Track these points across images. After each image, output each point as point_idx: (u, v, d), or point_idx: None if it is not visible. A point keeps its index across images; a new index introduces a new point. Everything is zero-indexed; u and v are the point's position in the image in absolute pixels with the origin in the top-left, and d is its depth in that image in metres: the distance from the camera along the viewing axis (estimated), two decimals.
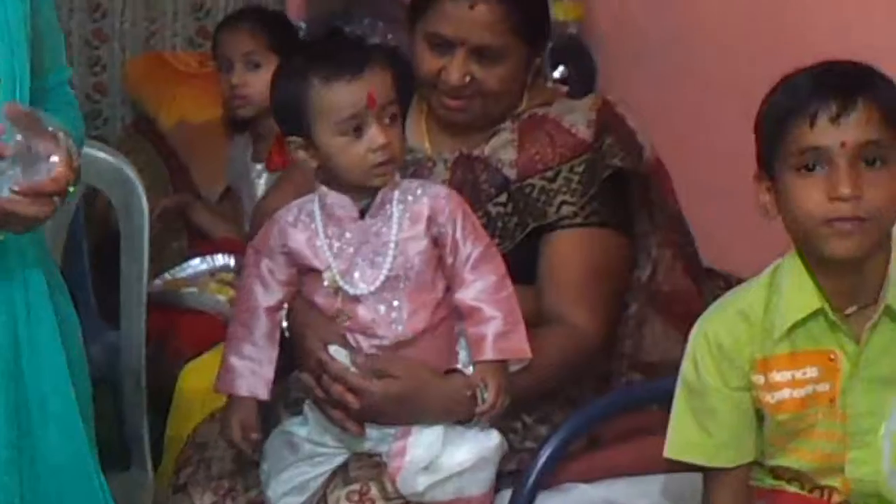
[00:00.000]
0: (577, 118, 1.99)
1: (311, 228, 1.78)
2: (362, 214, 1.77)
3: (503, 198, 1.96)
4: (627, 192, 2.01)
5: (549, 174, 1.97)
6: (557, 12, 3.08)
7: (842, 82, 1.54)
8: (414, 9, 1.99)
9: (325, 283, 1.77)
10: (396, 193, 1.77)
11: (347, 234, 1.77)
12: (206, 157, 3.08)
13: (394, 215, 1.76)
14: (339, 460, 1.83)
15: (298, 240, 1.79)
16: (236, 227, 2.91)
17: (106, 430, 2.42)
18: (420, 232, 1.77)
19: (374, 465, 1.81)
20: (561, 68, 3.15)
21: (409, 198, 1.78)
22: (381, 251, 1.76)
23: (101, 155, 2.17)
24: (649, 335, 2.04)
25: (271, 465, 1.85)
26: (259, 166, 2.88)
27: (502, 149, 2.00)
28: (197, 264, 2.75)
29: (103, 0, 3.42)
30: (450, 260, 1.78)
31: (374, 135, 1.72)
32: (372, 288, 1.76)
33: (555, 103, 2.03)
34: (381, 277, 1.75)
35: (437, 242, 1.78)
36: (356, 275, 1.76)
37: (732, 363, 1.64)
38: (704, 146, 2.86)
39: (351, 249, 1.76)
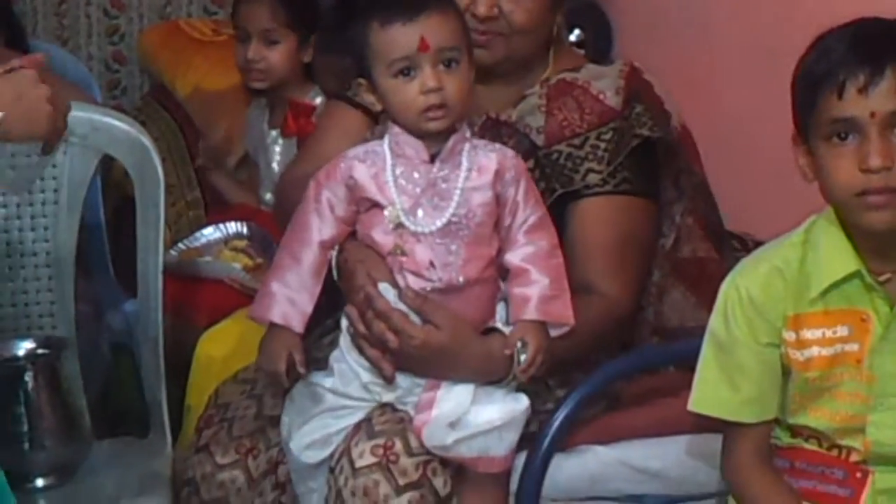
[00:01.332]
0: (606, 85, 1.99)
1: (379, 165, 1.79)
2: (432, 160, 1.78)
3: (530, 163, 1.95)
4: (654, 160, 2.00)
5: (577, 141, 1.96)
6: None
7: (870, 50, 1.52)
8: None
9: (388, 219, 1.77)
10: (467, 145, 1.79)
11: (415, 175, 1.78)
12: (223, 124, 3.09)
13: (462, 164, 1.78)
14: (362, 413, 1.82)
15: (365, 173, 1.79)
16: (252, 194, 2.91)
17: (125, 397, 2.45)
18: (486, 184, 1.78)
19: (399, 420, 1.80)
20: (577, 31, 3.14)
21: (479, 151, 1.80)
22: (447, 195, 1.77)
23: (117, 123, 2.15)
24: (669, 302, 2.04)
25: (293, 417, 1.84)
26: (275, 132, 2.88)
27: (530, 114, 1.99)
28: (211, 233, 2.75)
29: None
30: (507, 220, 1.80)
31: (426, 78, 1.74)
32: (433, 228, 1.76)
33: (583, 69, 2.02)
34: (444, 220, 1.76)
35: (498, 201, 1.79)
36: (419, 213, 1.77)
37: (764, 318, 1.63)
38: (723, 109, 2.84)
39: (417, 189, 1.77)
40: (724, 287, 1.67)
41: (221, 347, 2.41)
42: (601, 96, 1.98)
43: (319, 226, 1.81)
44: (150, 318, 2.15)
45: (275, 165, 2.87)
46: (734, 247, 2.19)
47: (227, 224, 2.76)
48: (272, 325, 1.81)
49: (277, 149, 2.88)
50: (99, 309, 2.52)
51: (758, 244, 1.93)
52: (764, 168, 2.46)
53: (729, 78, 2.87)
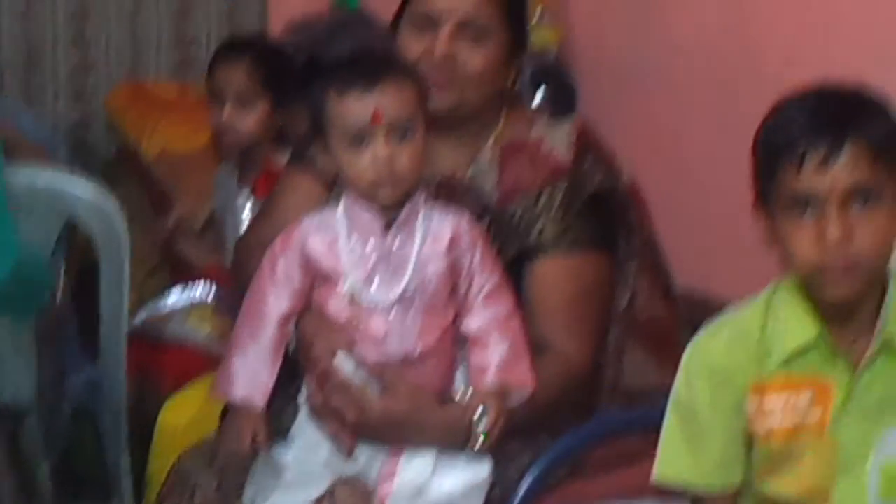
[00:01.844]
0: (557, 141, 2.00)
1: (333, 235, 1.79)
2: (386, 229, 1.78)
3: (485, 222, 1.96)
4: (607, 215, 2.01)
5: (530, 198, 1.97)
6: (537, 37, 3.09)
7: (830, 123, 1.51)
8: (400, 6, 2.02)
9: (342, 291, 1.77)
10: (421, 213, 1.79)
11: (369, 245, 1.78)
12: (189, 186, 3.08)
13: (417, 232, 1.78)
14: (325, 485, 1.81)
15: (319, 244, 1.79)
16: (219, 257, 2.90)
17: (87, 463, 2.43)
18: (441, 252, 1.79)
19: (362, 493, 1.79)
20: (542, 92, 3.16)
21: (434, 219, 1.80)
22: (402, 266, 1.77)
23: (81, 187, 2.16)
24: (629, 363, 2.04)
25: (256, 490, 1.83)
26: (245, 191, 2.88)
27: (483, 174, 2.00)
28: (177, 297, 2.74)
29: (87, 30, 3.42)
30: (464, 288, 1.80)
31: (378, 149, 1.75)
32: (388, 299, 1.76)
33: (534, 127, 2.03)
34: (399, 290, 1.76)
35: (453, 268, 1.79)
36: (373, 285, 1.77)
37: (726, 385, 1.63)
38: (686, 166, 2.87)
39: (372, 260, 1.77)
40: (687, 353, 1.67)
41: (184, 415, 2.39)
42: (553, 153, 1.99)
43: (276, 300, 1.81)
44: (112, 385, 2.15)
45: (243, 227, 2.86)
46: (696, 309, 2.19)
47: (195, 288, 2.74)
48: (235, 405, 1.81)
49: (247, 210, 2.87)
50: (61, 374, 2.50)
51: (721, 304, 1.94)
52: (725, 226, 2.48)
53: (692, 135, 2.89)
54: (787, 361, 1.60)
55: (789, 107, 1.57)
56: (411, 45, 1.98)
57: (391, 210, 1.78)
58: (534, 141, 2.00)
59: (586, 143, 2.01)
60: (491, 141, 2.02)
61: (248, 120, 2.80)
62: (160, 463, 2.31)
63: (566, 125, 2.04)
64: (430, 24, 1.96)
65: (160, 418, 2.42)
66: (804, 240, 1.53)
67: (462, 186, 2.00)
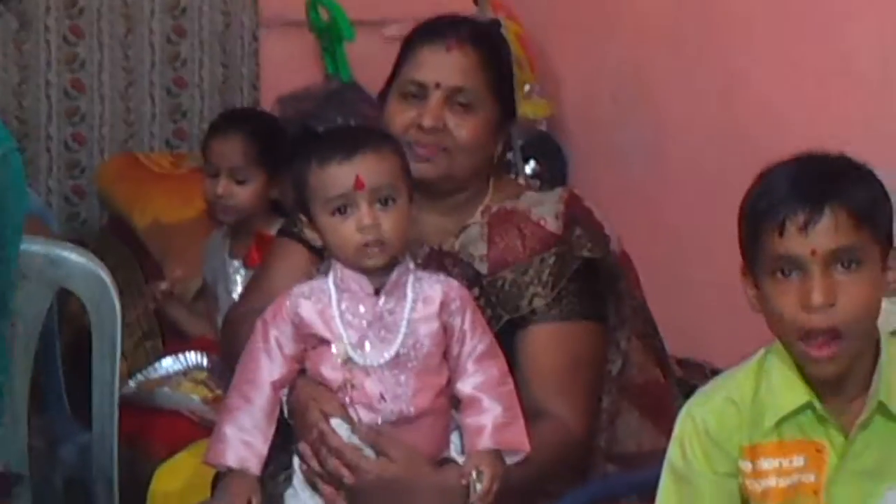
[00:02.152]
0: (546, 211, 2.02)
1: (324, 301, 1.80)
2: (377, 293, 1.79)
3: (475, 292, 1.97)
4: (597, 283, 2.02)
5: (520, 267, 1.98)
6: (527, 109, 3.13)
7: (810, 188, 1.54)
8: (389, 77, 2.04)
9: (335, 354, 1.77)
10: (411, 277, 1.80)
11: (361, 309, 1.79)
12: (180, 256, 3.09)
13: (408, 296, 1.79)
14: None
15: (311, 310, 1.80)
16: (210, 326, 2.90)
17: None
18: (432, 314, 1.79)
19: None
20: (532, 163, 3.20)
21: (423, 282, 1.81)
22: (394, 328, 1.78)
23: (73, 256, 2.16)
24: (623, 427, 2.04)
25: None
26: (237, 262, 2.89)
27: (472, 243, 2.01)
28: (170, 364, 2.73)
29: (82, 104, 3.45)
30: (455, 350, 1.81)
31: (362, 216, 1.76)
32: (381, 361, 1.77)
33: (522, 196, 2.05)
34: (392, 352, 1.77)
35: (444, 331, 1.80)
36: (367, 347, 1.77)
37: (720, 448, 1.63)
38: (674, 235, 2.89)
39: (364, 323, 1.78)
40: (680, 418, 1.68)
41: (176, 482, 2.38)
42: (542, 222, 2.00)
43: (269, 366, 1.81)
44: (104, 454, 2.13)
45: (235, 296, 2.87)
46: (692, 376, 2.20)
47: (187, 355, 2.74)
48: (229, 470, 1.80)
49: (239, 279, 2.88)
50: (53, 443, 2.49)
51: (715, 372, 1.95)
52: (714, 294, 2.50)
53: (680, 205, 2.92)
54: (780, 426, 1.61)
55: (772, 173, 1.59)
56: (400, 115, 2.00)
57: (381, 275, 1.79)
58: (522, 210, 2.02)
59: (575, 213, 2.02)
60: (479, 211, 2.04)
61: (243, 194, 2.81)
62: None
63: (554, 195, 2.05)
64: (418, 92, 1.99)
65: (152, 485, 2.41)
66: (789, 304, 1.54)
67: (451, 256, 2.01)
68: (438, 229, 2.03)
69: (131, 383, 2.67)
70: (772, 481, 1.61)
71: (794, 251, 1.53)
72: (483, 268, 1.99)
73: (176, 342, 2.87)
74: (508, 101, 2.07)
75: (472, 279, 1.98)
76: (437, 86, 1.98)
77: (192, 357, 2.73)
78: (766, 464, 1.62)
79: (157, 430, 2.56)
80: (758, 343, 1.67)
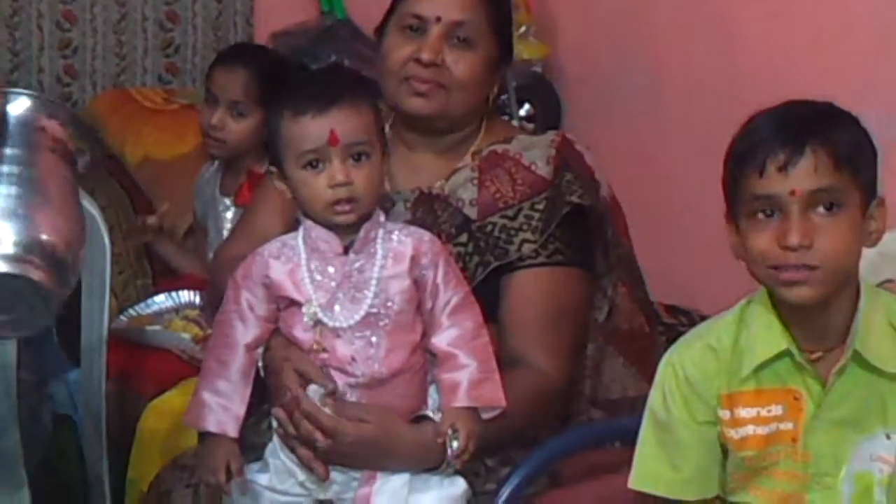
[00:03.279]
0: (537, 155, 2.00)
1: (294, 261, 1.78)
2: (346, 251, 1.77)
3: (464, 237, 1.96)
4: (586, 230, 2.02)
5: (510, 212, 1.97)
6: (523, 51, 3.10)
7: (791, 129, 1.54)
8: (387, 12, 2.03)
9: (305, 316, 1.76)
10: (381, 232, 1.78)
11: (330, 269, 1.77)
12: (171, 194, 3.08)
13: (377, 253, 1.77)
14: None
15: (280, 271, 1.78)
16: (201, 264, 2.90)
17: (67, 469, 2.42)
18: (402, 271, 1.77)
19: None
20: (527, 106, 3.18)
21: (394, 237, 1.79)
22: (363, 287, 1.76)
23: None
24: (608, 372, 2.05)
25: None
26: (227, 200, 2.88)
27: (462, 187, 2.00)
28: (162, 301, 2.73)
29: (74, 36, 3.42)
30: (428, 304, 1.79)
31: (334, 171, 1.73)
32: (351, 322, 1.75)
33: (514, 140, 2.04)
34: (362, 312, 1.75)
35: (417, 285, 1.78)
36: (336, 308, 1.76)
37: (700, 396, 1.64)
38: (670, 183, 2.89)
39: (333, 283, 1.76)
40: (661, 365, 1.69)
41: (165, 420, 2.39)
42: (532, 167, 1.99)
43: (243, 328, 1.80)
44: (92, 390, 2.13)
45: (225, 233, 2.86)
46: (681, 322, 2.20)
47: (180, 293, 2.74)
48: (208, 434, 1.81)
49: (229, 216, 2.87)
50: (42, 378, 2.50)
51: (704, 319, 1.95)
52: (706, 243, 2.49)
53: (675, 153, 2.91)
54: (758, 373, 1.62)
55: (756, 119, 1.60)
56: (398, 49, 1.98)
57: (350, 232, 1.77)
58: (513, 154, 2.01)
59: (565, 158, 2.01)
60: (470, 153, 2.02)
61: (236, 128, 2.80)
62: (140, 468, 2.32)
63: (546, 139, 2.04)
64: (418, 25, 1.97)
65: (141, 424, 2.42)
66: (765, 240, 1.55)
67: (440, 200, 2.00)
68: (428, 172, 2.02)
69: (122, 318, 2.67)
70: (749, 429, 1.63)
71: (773, 191, 1.54)
72: (472, 213, 1.98)
73: (167, 281, 2.87)
74: (507, 40, 2.05)
75: (460, 224, 1.97)
76: (438, 20, 1.96)
77: (185, 295, 2.73)
78: (744, 412, 1.63)
79: (146, 367, 2.57)
80: (746, 292, 1.68)
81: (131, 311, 2.71)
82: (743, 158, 1.57)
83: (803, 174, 1.53)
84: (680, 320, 2.33)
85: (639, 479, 1.69)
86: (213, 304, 1.99)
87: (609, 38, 3.11)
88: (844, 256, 1.54)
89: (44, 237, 1.53)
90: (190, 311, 2.70)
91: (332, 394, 1.77)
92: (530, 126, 3.06)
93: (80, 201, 1.64)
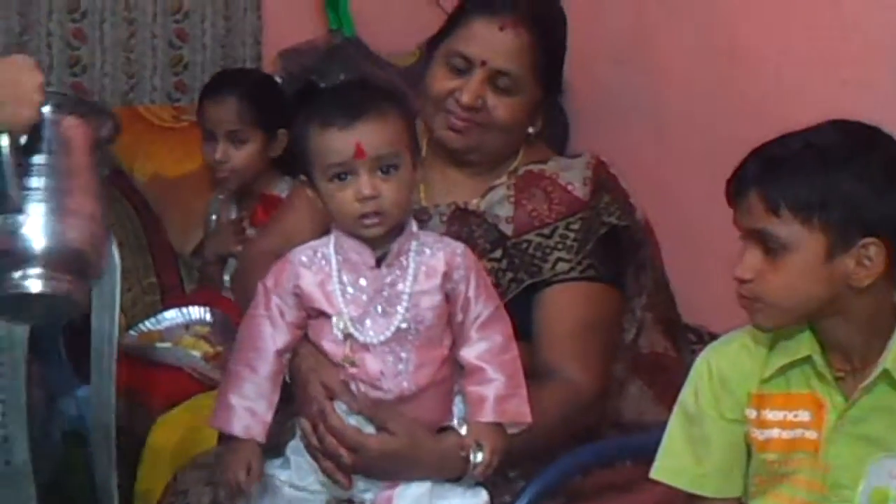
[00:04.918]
0: (574, 176, 2.01)
1: (325, 272, 1.77)
2: (378, 263, 1.77)
3: (498, 253, 1.97)
4: (620, 250, 2.02)
5: (546, 231, 1.98)
6: None
7: (744, 170, 1.60)
8: (441, 31, 2.02)
9: (335, 329, 1.75)
10: (414, 245, 1.77)
11: (362, 282, 1.76)
12: (181, 210, 3.08)
13: (410, 267, 1.76)
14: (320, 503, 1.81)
15: (310, 282, 1.77)
16: (214, 282, 2.90)
17: (77, 484, 2.42)
18: (434, 286, 1.76)
19: None
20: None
21: (426, 251, 1.78)
22: (395, 302, 1.75)
23: None
24: (626, 395, 2.05)
25: None
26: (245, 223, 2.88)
27: (498, 204, 2.01)
28: (172, 316, 2.73)
29: (83, 54, 3.42)
30: (459, 317, 1.78)
31: (361, 185, 1.72)
32: (382, 338, 1.75)
33: (550, 161, 2.04)
34: (393, 328, 1.75)
35: (448, 298, 1.78)
36: (367, 323, 1.75)
37: (731, 393, 1.67)
38: (675, 200, 2.88)
39: (364, 297, 1.75)
40: (697, 362, 1.72)
41: (174, 434, 2.39)
42: (569, 187, 2.00)
43: (273, 333, 1.79)
44: (102, 406, 2.14)
45: None
46: (691, 341, 2.21)
47: (190, 308, 2.74)
48: (233, 437, 1.80)
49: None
50: (51, 395, 2.50)
51: (712, 336, 1.96)
52: (715, 259, 2.50)
53: (680, 170, 2.91)
54: (787, 375, 1.64)
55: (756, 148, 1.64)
56: (440, 81, 1.98)
57: (382, 244, 1.76)
58: (550, 175, 2.01)
59: (602, 179, 2.02)
60: (506, 173, 2.03)
61: (241, 155, 2.80)
62: (149, 482, 2.32)
63: (582, 161, 2.05)
64: (463, 66, 1.96)
65: (150, 437, 2.42)
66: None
67: (476, 216, 2.00)
68: (464, 188, 2.03)
69: (132, 333, 2.67)
70: (774, 432, 1.65)
71: (738, 223, 1.61)
72: (508, 230, 1.99)
73: (175, 298, 2.88)
74: (553, 80, 2.04)
75: (495, 240, 1.98)
76: (483, 64, 1.95)
77: (196, 311, 2.73)
78: (771, 414, 1.65)
79: (156, 384, 2.57)
80: None
81: (141, 327, 2.71)
82: (727, 185, 1.63)
83: (745, 214, 1.60)
84: (688, 338, 2.32)
85: (662, 469, 1.71)
86: (241, 298, 1.99)
87: (613, 53, 3.12)
88: (786, 297, 1.58)
89: (72, 249, 1.57)
90: (200, 327, 2.69)
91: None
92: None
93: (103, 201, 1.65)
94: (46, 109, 1.56)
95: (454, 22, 2.01)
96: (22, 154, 1.53)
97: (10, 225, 1.52)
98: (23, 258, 1.53)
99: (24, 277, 1.52)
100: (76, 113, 1.62)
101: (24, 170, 1.52)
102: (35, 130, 1.54)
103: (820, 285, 1.57)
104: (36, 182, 1.55)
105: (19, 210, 1.52)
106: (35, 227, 1.54)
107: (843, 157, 1.57)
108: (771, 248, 1.57)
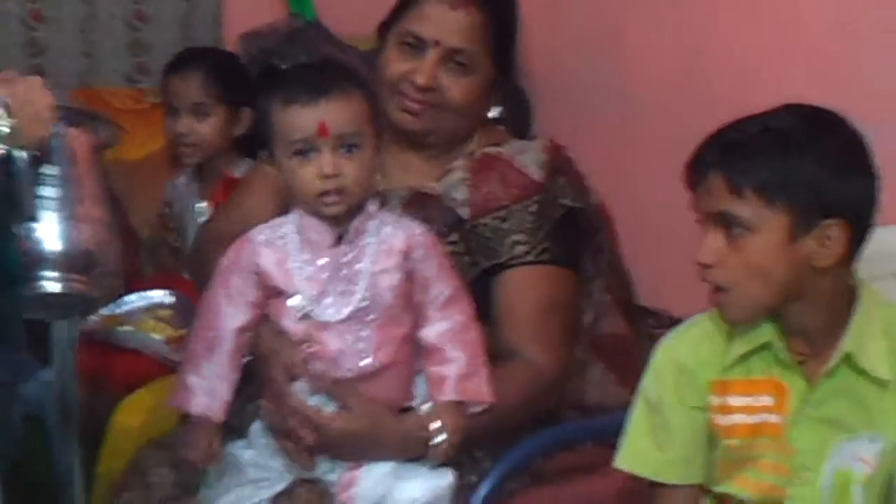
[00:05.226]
0: (529, 159, 2.02)
1: (285, 250, 1.77)
2: (338, 241, 1.77)
3: (455, 236, 1.97)
4: (576, 234, 2.03)
5: (502, 213, 1.98)
6: None
7: (703, 152, 1.61)
8: (392, 13, 2.02)
9: (294, 308, 1.75)
10: (373, 224, 1.77)
11: (321, 261, 1.76)
12: (142, 194, 3.06)
13: (369, 246, 1.77)
14: (283, 484, 1.81)
15: (270, 260, 1.77)
16: (174, 264, 2.89)
17: (38, 469, 2.40)
18: (393, 266, 1.77)
19: (321, 492, 1.80)
20: (498, 108, 3.18)
21: (386, 230, 1.78)
22: (354, 280, 1.75)
23: None
24: (589, 378, 2.06)
25: (213, 487, 1.82)
26: (204, 204, 2.87)
27: (455, 187, 2.01)
28: (133, 300, 2.71)
29: (40, 36, 3.39)
30: (419, 297, 1.79)
31: (324, 163, 1.73)
32: (341, 316, 1.75)
33: (505, 144, 2.05)
34: (351, 307, 1.75)
35: (409, 278, 1.78)
36: (326, 302, 1.75)
37: (691, 381, 1.68)
38: (640, 186, 2.90)
39: (323, 276, 1.76)
40: (657, 349, 1.72)
41: (137, 416, 2.38)
42: (525, 170, 2.00)
43: (232, 312, 1.80)
44: (64, 390, 2.12)
45: None
46: (649, 324, 2.22)
47: (152, 292, 2.72)
48: (193, 415, 1.80)
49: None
50: (12, 379, 2.48)
51: (674, 321, 1.97)
52: (679, 246, 2.52)
53: (646, 156, 2.92)
54: (747, 362, 1.65)
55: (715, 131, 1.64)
56: (394, 63, 1.98)
57: (341, 223, 1.77)
58: (506, 157, 2.02)
59: (558, 162, 2.03)
60: (462, 155, 2.03)
61: (204, 129, 2.80)
62: (111, 463, 2.31)
63: (537, 144, 2.06)
64: (416, 44, 1.96)
65: (113, 419, 2.41)
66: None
67: (433, 199, 2.00)
68: (421, 171, 2.03)
69: (93, 317, 2.66)
70: (738, 417, 1.66)
71: (694, 207, 1.62)
72: (465, 213, 1.99)
73: (137, 281, 2.86)
74: (507, 61, 2.05)
75: (452, 223, 1.98)
76: (437, 43, 1.96)
77: (158, 294, 2.71)
78: (734, 400, 1.66)
79: (117, 367, 2.55)
80: None
81: (102, 311, 2.70)
82: (685, 169, 1.63)
83: (705, 197, 1.60)
84: (649, 322, 2.34)
85: (625, 458, 1.72)
86: (197, 280, 2.00)
87: (579, 40, 3.13)
88: (750, 279, 1.58)
89: (83, 250, 1.74)
90: (162, 311, 2.68)
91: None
92: (502, 128, 3.07)
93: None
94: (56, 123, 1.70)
95: (406, 4, 2.02)
96: (34, 166, 1.69)
97: (26, 231, 1.70)
98: (39, 261, 1.70)
99: (42, 279, 1.71)
100: (79, 124, 1.75)
101: (36, 180, 1.69)
102: (44, 143, 1.69)
103: (783, 267, 1.58)
104: (47, 191, 1.71)
105: (34, 218, 1.69)
106: (49, 232, 1.72)
107: (804, 139, 1.58)
108: (733, 230, 1.58)
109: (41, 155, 1.69)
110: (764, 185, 1.56)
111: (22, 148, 1.64)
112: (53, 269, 1.71)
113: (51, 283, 1.71)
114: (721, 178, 1.58)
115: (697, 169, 1.60)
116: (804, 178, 1.56)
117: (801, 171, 1.57)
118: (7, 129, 1.60)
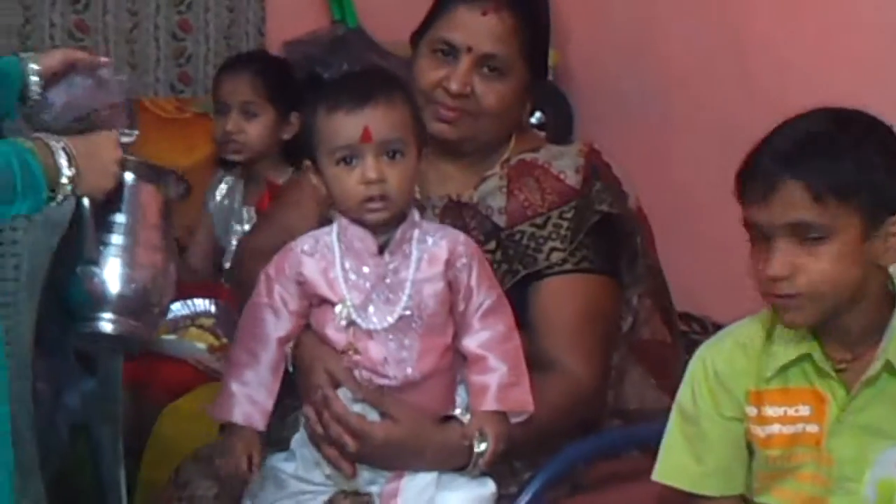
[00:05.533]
0: (566, 164, 2.00)
1: (328, 259, 1.78)
2: (381, 251, 1.77)
3: (492, 245, 1.97)
4: (613, 239, 2.02)
5: (539, 221, 1.97)
6: None
7: (771, 159, 1.56)
8: (424, 22, 2.02)
9: (339, 316, 1.76)
10: (416, 233, 1.78)
11: (365, 269, 1.76)
12: (186, 201, 3.08)
13: (412, 255, 1.77)
14: (325, 497, 1.81)
15: (313, 269, 1.78)
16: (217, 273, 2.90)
17: (83, 478, 2.42)
18: (437, 274, 1.77)
19: None
20: (538, 114, 3.18)
21: (429, 239, 1.78)
22: (398, 289, 1.75)
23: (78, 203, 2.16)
24: (629, 383, 2.05)
25: (255, 502, 1.83)
26: (251, 210, 2.88)
27: (491, 195, 2.00)
28: (177, 309, 2.72)
29: (86, 46, 3.42)
30: (461, 306, 1.79)
31: (367, 169, 1.73)
32: (385, 324, 1.75)
33: (542, 150, 2.04)
34: (396, 315, 1.75)
35: (451, 287, 1.78)
36: (370, 309, 1.76)
37: (728, 392, 1.66)
38: (680, 191, 2.89)
39: (367, 284, 1.76)
40: (692, 361, 1.71)
41: (180, 424, 2.40)
42: (561, 176, 1.99)
43: (275, 322, 1.80)
44: (108, 399, 2.14)
45: None
46: (693, 330, 2.21)
47: (195, 300, 2.74)
48: (233, 425, 1.80)
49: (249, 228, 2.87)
50: (57, 388, 2.50)
51: (717, 326, 1.96)
52: (719, 250, 2.50)
53: (686, 161, 2.91)
54: (785, 373, 1.63)
55: (766, 137, 1.61)
56: (427, 71, 1.97)
57: (384, 231, 1.77)
58: (542, 164, 2.01)
59: (594, 167, 2.01)
60: (499, 163, 2.02)
61: (252, 129, 2.83)
62: (153, 472, 2.32)
63: (574, 148, 2.04)
64: (449, 51, 1.96)
65: (156, 427, 2.43)
66: (756, 268, 1.58)
67: (470, 208, 2.00)
68: (457, 180, 2.02)
69: None
70: (775, 428, 1.65)
71: (757, 220, 1.57)
72: (501, 221, 1.98)
73: (180, 289, 2.87)
74: (540, 64, 2.04)
75: (489, 232, 1.97)
76: (469, 50, 1.95)
77: (201, 303, 2.73)
78: (771, 410, 1.65)
79: (161, 376, 2.57)
80: (759, 298, 1.67)
81: None
82: (739, 182, 1.60)
83: (779, 208, 1.55)
84: (692, 327, 2.33)
85: (663, 471, 1.71)
86: (238, 291, 2.01)
87: (619, 44, 3.12)
88: (829, 284, 1.56)
89: (139, 296, 1.85)
90: (205, 319, 2.70)
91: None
92: (543, 134, 3.06)
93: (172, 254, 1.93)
94: (130, 177, 1.82)
95: (437, 11, 2.01)
96: (102, 213, 1.81)
97: (89, 273, 1.81)
98: (98, 302, 1.82)
99: (98, 319, 1.83)
100: (151, 179, 1.86)
101: (102, 226, 1.81)
102: (115, 192, 1.80)
103: (857, 268, 1.56)
104: (112, 238, 1.83)
105: (95, 263, 1.81)
106: (109, 276, 1.83)
107: (854, 140, 1.57)
108: (808, 238, 1.54)
109: (111, 204, 1.81)
110: (843, 188, 1.54)
111: (86, 196, 1.76)
112: (110, 311, 1.82)
113: (106, 324, 1.83)
114: (801, 186, 1.54)
115: (765, 180, 1.56)
116: (871, 177, 1.55)
117: (867, 170, 1.55)
118: (68, 175, 1.70)
